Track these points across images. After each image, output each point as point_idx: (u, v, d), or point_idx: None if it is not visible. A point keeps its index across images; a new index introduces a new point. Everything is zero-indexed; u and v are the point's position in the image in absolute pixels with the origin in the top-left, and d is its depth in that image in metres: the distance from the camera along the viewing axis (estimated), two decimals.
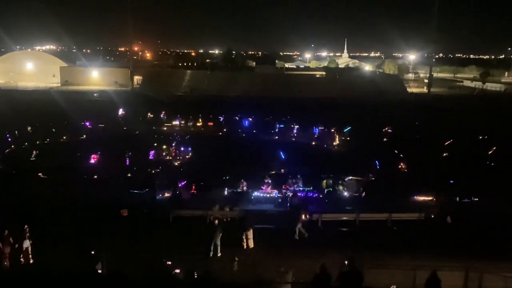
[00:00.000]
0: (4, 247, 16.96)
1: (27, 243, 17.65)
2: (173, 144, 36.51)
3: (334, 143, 40.45)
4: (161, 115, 50.81)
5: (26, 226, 17.94)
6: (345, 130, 42.89)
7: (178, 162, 33.91)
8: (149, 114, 51.08)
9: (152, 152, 34.69)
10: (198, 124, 49.43)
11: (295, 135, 44.28)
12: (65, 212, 22.91)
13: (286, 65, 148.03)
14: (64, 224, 21.47)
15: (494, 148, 35.39)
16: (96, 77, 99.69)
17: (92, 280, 14.89)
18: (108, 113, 52.04)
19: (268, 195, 25.86)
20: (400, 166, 31.70)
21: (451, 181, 28.94)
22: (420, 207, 24.19)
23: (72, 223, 21.64)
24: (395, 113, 57.60)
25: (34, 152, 34.53)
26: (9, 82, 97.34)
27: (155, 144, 36.27)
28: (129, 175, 29.76)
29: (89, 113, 50.17)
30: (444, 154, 35.02)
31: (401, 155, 34.09)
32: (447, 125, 49.37)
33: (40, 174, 29.45)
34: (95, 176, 29.22)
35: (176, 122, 49.69)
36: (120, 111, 51.91)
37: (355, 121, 46.83)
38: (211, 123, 49.19)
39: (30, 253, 17.58)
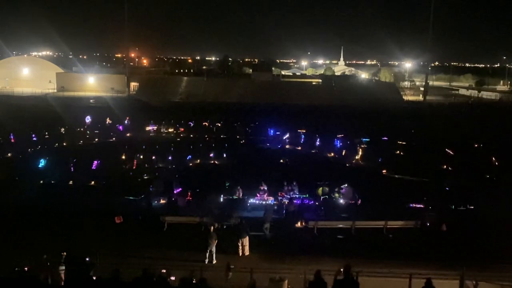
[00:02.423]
0: (41, 272, 16.45)
1: (62, 267, 17.18)
2: (138, 155, 34.22)
3: (357, 157, 37.76)
4: (126, 121, 49.01)
5: (63, 253, 17.50)
6: (363, 140, 42.20)
7: (145, 176, 30.87)
8: (108, 120, 48.77)
9: (95, 162, 32.53)
10: (171, 130, 48.67)
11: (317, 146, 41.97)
12: (59, 218, 22.85)
13: (283, 72, 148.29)
14: (58, 230, 21.43)
15: (495, 161, 34.91)
16: (93, 83, 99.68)
17: (87, 286, 14.79)
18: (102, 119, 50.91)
19: (264, 202, 25.79)
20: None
21: (447, 188, 29.01)
22: (416, 215, 24.17)
23: (67, 229, 21.60)
24: (392, 121, 57.84)
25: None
26: (5, 88, 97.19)
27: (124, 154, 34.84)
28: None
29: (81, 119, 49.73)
30: (444, 166, 34.56)
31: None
32: (443, 133, 49.53)
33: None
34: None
35: (149, 128, 48.66)
36: (87, 119, 49.22)
37: (364, 131, 46.43)
38: (182, 129, 48.72)
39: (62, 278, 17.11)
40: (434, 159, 35.78)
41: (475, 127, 55.09)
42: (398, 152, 39.83)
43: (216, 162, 36.07)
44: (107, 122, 48.46)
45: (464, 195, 27.05)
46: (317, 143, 42.17)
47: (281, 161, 31.62)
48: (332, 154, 39.52)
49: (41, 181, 29.09)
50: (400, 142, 41.15)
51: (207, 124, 50.14)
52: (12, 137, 40.21)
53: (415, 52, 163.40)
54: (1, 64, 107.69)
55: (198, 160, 35.73)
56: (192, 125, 49.78)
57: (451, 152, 35.06)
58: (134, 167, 33.01)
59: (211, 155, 36.87)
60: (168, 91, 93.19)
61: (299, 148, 42.40)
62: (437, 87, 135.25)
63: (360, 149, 38.41)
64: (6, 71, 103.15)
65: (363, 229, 22.69)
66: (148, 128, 48.63)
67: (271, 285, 15.53)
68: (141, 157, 34.34)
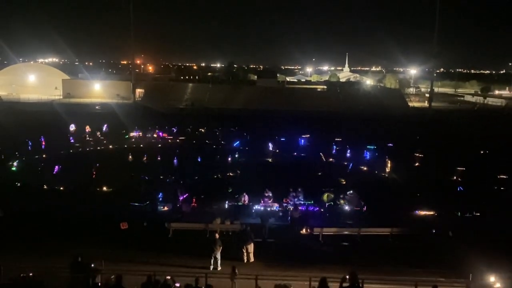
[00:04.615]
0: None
1: None
2: (97, 165, 33.32)
3: (386, 169, 36.30)
4: (104, 128, 48.13)
5: None
6: (368, 147, 41.57)
7: (104, 188, 29.45)
8: (87, 128, 47.67)
9: (56, 167, 32.86)
10: (155, 135, 48.24)
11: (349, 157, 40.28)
12: (65, 224, 22.91)
13: (288, 79, 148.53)
14: (64, 236, 21.47)
15: (506, 176, 34.40)
16: (98, 90, 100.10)
17: None
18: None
19: (268, 209, 25.74)
20: None
21: (452, 196, 28.86)
22: (422, 222, 24.05)
23: (72, 235, 21.65)
24: (397, 127, 57.74)
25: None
26: (11, 94, 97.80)
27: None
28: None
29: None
30: (454, 178, 34.23)
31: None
32: (449, 140, 49.34)
33: (44, 186, 29.51)
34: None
35: (133, 134, 48.15)
36: (72, 127, 47.88)
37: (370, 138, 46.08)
38: (165, 134, 48.54)
39: None
40: (445, 171, 35.39)
41: (481, 133, 54.87)
42: (416, 164, 38.96)
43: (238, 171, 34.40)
44: (86, 131, 47.24)
45: (471, 202, 26.91)
46: (348, 154, 40.80)
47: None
48: (365, 167, 37.82)
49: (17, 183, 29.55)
50: (418, 154, 40.29)
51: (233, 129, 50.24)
52: (43, 140, 41.45)
53: (420, 58, 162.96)
54: (8, 71, 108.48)
55: (218, 175, 33.78)
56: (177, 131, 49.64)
57: (462, 169, 34.58)
58: (93, 177, 31.92)
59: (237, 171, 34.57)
60: (173, 97, 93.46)
61: (332, 160, 40.63)
62: (443, 93, 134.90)
63: (389, 162, 36.83)
64: (12, 77, 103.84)
65: (368, 236, 22.59)
66: (132, 134, 48.17)
67: None
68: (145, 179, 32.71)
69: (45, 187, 29.34)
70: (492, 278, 16.00)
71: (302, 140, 46.19)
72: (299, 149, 43.79)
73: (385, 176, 35.51)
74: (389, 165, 36.52)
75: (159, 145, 45.56)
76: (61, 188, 29.19)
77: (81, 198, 26.87)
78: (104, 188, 29.42)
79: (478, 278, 17.02)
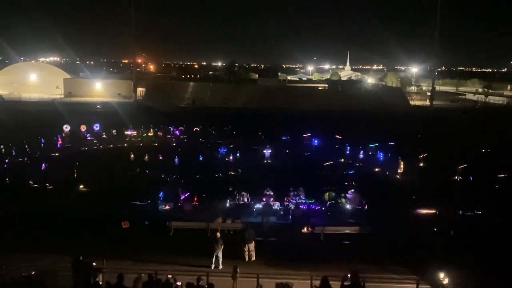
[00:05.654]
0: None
1: None
2: (77, 163, 33.24)
3: (399, 170, 35.76)
4: (95, 127, 47.53)
5: None
6: (371, 146, 41.29)
7: (82, 187, 29.38)
8: (82, 126, 46.74)
9: (43, 165, 33.51)
10: (149, 134, 48.11)
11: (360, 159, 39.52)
12: (66, 224, 22.94)
13: (289, 78, 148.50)
14: (65, 235, 21.50)
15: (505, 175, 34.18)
16: (99, 89, 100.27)
17: None
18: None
19: (272, 206, 25.68)
20: None
21: (454, 195, 28.83)
22: (423, 221, 24.01)
23: (73, 234, 21.67)
24: (398, 126, 57.69)
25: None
26: (12, 93, 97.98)
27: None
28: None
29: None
30: (456, 177, 34.08)
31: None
32: (450, 139, 49.27)
33: (47, 185, 29.57)
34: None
35: (128, 133, 48.13)
36: (66, 128, 46.51)
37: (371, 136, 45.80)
38: (160, 133, 48.48)
39: None
40: (445, 170, 35.24)
41: (482, 132, 54.79)
42: (421, 164, 38.36)
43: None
44: (82, 130, 46.74)
45: (472, 201, 26.88)
46: (361, 156, 40.08)
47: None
48: (378, 169, 37.10)
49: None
50: (423, 155, 39.74)
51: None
52: (59, 139, 42.25)
53: (421, 56, 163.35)
54: (9, 70, 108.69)
55: (220, 174, 33.89)
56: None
57: (464, 166, 34.45)
58: (74, 176, 31.56)
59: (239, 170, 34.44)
60: (174, 96, 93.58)
61: (343, 160, 39.70)
62: (444, 92, 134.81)
63: (402, 163, 36.15)
64: (14, 76, 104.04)
65: (369, 235, 22.56)
66: (126, 133, 48.14)
67: None
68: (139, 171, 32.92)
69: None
70: (441, 275, 16.10)
71: (315, 141, 45.64)
72: (305, 150, 43.27)
73: (386, 175, 35.43)
74: (401, 166, 35.94)
75: (156, 144, 45.58)
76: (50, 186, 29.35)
77: (77, 197, 27.10)
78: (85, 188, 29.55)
79: (429, 274, 17.16)
